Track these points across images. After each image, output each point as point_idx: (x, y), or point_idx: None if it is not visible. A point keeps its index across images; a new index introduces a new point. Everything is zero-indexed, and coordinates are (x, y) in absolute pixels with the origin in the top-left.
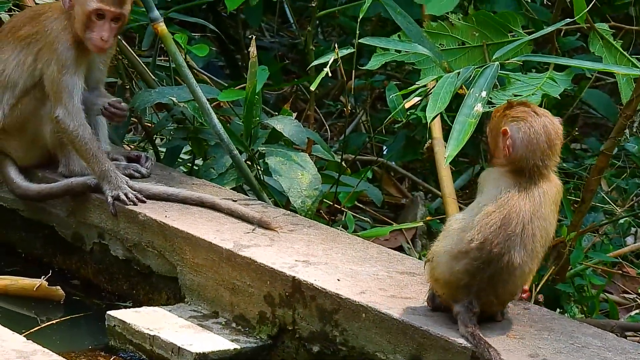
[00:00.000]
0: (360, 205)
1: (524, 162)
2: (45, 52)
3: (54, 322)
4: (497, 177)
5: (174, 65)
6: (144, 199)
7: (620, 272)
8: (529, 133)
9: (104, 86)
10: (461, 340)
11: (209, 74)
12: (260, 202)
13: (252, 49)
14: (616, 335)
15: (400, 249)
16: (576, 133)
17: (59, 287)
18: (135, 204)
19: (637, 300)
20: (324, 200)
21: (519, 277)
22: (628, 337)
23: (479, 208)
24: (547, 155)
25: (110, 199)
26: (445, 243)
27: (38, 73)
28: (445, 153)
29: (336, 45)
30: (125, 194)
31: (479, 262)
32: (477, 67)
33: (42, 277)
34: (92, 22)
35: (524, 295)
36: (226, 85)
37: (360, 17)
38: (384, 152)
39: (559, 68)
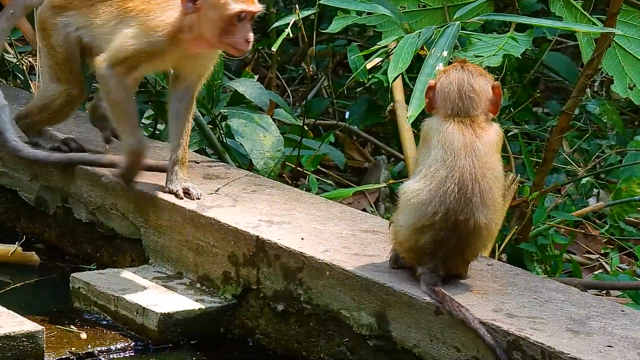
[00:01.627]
0: (324, 170)
1: (443, 112)
2: (137, 28)
3: (17, 285)
4: (438, 130)
5: None
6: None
7: (583, 232)
8: (444, 83)
9: (196, 92)
10: (425, 297)
11: None
12: (222, 163)
13: None
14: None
15: (364, 211)
16: (538, 95)
17: (33, 253)
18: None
19: (600, 260)
20: (287, 163)
21: (487, 236)
22: (596, 296)
23: (432, 175)
24: (458, 106)
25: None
26: (406, 217)
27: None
28: (407, 114)
29: (297, 6)
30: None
31: (445, 231)
32: (437, 27)
33: (17, 242)
34: (232, 26)
35: None
36: None
37: None
38: (346, 117)
39: (520, 30)
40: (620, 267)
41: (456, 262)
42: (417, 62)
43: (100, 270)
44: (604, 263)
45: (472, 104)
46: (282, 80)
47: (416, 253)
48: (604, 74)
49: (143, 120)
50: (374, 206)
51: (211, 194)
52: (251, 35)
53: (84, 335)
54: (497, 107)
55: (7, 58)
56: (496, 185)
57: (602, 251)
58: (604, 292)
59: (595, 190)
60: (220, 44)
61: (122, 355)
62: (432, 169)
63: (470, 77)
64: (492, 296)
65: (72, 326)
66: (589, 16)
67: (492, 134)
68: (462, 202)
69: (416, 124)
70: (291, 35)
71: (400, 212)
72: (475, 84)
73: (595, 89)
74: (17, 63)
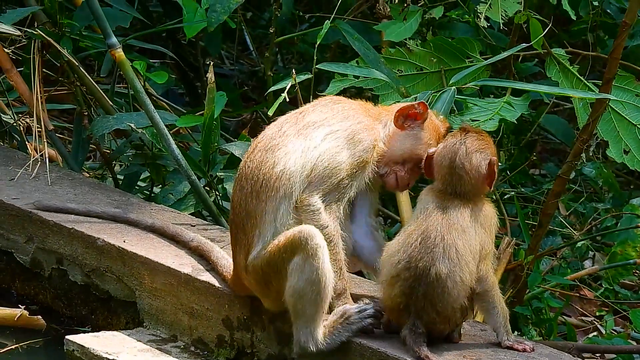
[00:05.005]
0: None
1: (437, 181)
2: (342, 137)
3: (12, 347)
4: (424, 197)
5: (133, 92)
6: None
7: (578, 295)
8: (439, 155)
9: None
10: None
11: (168, 102)
12: (218, 227)
13: (210, 75)
14: (573, 356)
15: (359, 273)
16: (534, 158)
17: (39, 317)
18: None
19: (595, 322)
20: None
21: (452, 288)
22: (585, 359)
23: (404, 231)
24: (447, 178)
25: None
26: (382, 273)
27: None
28: None
29: (294, 71)
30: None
31: (410, 281)
32: (434, 92)
33: (22, 307)
34: (410, 164)
35: None
36: (185, 112)
37: (318, 42)
38: None
39: (517, 93)
40: (614, 330)
41: (431, 316)
42: None
43: (95, 333)
44: (598, 326)
45: (461, 182)
46: None
47: (393, 312)
48: (599, 138)
49: (139, 183)
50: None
51: None
52: (412, 183)
53: None
54: (491, 183)
55: (4, 119)
56: (465, 245)
57: (597, 314)
58: (599, 355)
59: (590, 253)
60: (389, 169)
61: None
62: (406, 226)
63: (463, 154)
64: None
65: None
66: (585, 81)
67: (476, 209)
68: (422, 250)
69: (413, 187)
70: (287, 99)
71: (381, 269)
72: (467, 162)
73: (591, 153)
74: (14, 124)
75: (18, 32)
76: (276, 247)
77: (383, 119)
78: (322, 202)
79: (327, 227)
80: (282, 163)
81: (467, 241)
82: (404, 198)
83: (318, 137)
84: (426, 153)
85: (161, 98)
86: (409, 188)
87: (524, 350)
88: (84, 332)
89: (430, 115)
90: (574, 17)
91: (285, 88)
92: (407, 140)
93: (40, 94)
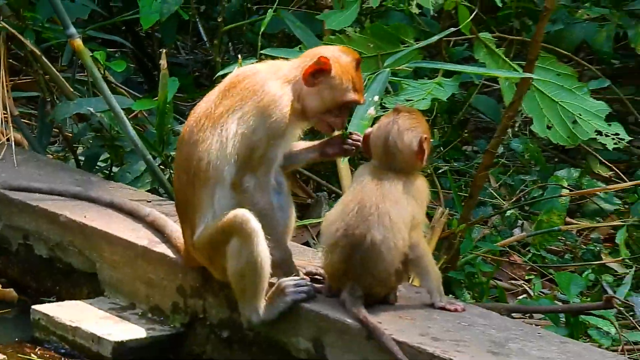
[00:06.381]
0: None
1: (373, 158)
2: (252, 116)
3: None
4: (361, 172)
5: (92, 79)
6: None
7: (508, 260)
8: (374, 135)
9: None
10: (357, 323)
11: (128, 89)
12: (172, 202)
13: (163, 62)
14: (502, 315)
15: (306, 244)
16: (466, 135)
17: (12, 290)
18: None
19: (524, 285)
20: None
21: (387, 253)
22: (515, 319)
23: (341, 202)
24: (382, 156)
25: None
26: (322, 241)
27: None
28: None
29: (240, 55)
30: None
31: (348, 248)
32: (370, 74)
33: None
34: (337, 109)
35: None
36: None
37: (262, 29)
38: None
39: (448, 76)
40: (542, 292)
41: (368, 280)
42: None
43: (59, 303)
44: (527, 289)
45: (395, 159)
46: None
47: (334, 277)
48: (524, 115)
49: (99, 163)
50: (316, 239)
51: None
52: (342, 124)
53: None
54: (423, 159)
55: None
56: (397, 214)
57: (526, 278)
58: (528, 315)
59: (519, 222)
60: (317, 119)
61: None
62: (344, 197)
63: (396, 133)
64: (419, 321)
65: (32, 354)
66: (510, 62)
67: (409, 182)
68: (359, 219)
69: (353, 161)
70: None
71: (321, 239)
72: (399, 140)
73: (517, 129)
74: None
75: None
76: (215, 230)
77: (294, 78)
78: (252, 178)
79: (258, 203)
80: (206, 158)
81: (399, 211)
82: (345, 173)
83: (232, 125)
84: (346, 94)
85: (121, 85)
86: (344, 126)
87: (456, 310)
88: (49, 302)
89: (337, 61)
90: (499, 4)
91: (231, 72)
92: (322, 93)
93: (6, 82)
